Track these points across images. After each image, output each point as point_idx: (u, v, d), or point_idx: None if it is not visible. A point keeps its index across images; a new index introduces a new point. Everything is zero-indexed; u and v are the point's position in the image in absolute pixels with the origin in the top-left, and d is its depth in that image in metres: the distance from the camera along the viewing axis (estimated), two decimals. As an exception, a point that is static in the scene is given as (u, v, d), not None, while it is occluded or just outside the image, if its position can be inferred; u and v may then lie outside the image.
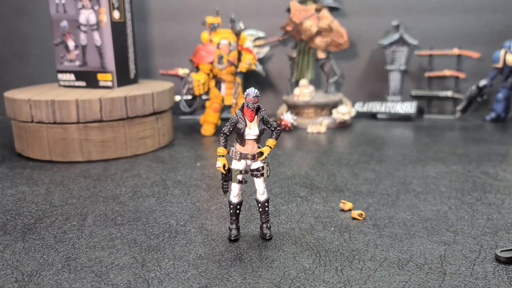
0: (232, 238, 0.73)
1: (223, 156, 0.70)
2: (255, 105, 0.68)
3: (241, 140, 0.70)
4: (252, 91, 0.67)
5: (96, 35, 1.33)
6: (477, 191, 0.94)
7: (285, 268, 0.65)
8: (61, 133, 1.18)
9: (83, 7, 1.32)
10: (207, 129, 1.46)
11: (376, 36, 1.72)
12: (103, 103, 1.19)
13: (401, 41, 1.65)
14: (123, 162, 1.18)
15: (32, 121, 1.19)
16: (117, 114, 1.20)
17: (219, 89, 1.46)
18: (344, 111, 1.52)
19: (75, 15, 1.33)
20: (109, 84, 1.35)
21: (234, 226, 0.74)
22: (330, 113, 1.56)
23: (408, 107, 1.65)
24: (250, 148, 0.70)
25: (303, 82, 1.56)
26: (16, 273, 0.65)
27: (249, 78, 1.76)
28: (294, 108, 1.56)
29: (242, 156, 0.71)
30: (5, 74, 1.86)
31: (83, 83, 1.37)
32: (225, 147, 0.71)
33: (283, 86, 1.79)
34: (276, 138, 0.71)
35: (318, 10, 1.55)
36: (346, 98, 1.65)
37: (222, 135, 0.70)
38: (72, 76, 1.37)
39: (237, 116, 0.69)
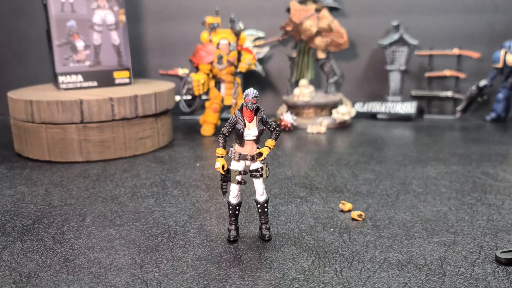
0: (231, 239, 0.73)
1: (222, 156, 0.70)
2: (254, 106, 0.68)
3: (240, 140, 0.70)
4: (251, 91, 0.67)
5: (114, 35, 1.37)
6: (477, 191, 0.94)
7: (284, 269, 0.65)
8: (60, 133, 1.17)
9: (99, 7, 1.33)
10: (207, 130, 1.46)
11: (376, 36, 1.71)
12: (168, 94, 1.33)
13: (401, 41, 1.65)
14: (123, 163, 1.18)
15: (112, 120, 1.19)
16: (169, 105, 1.35)
17: (219, 89, 1.45)
18: (344, 111, 1.52)
19: (87, 15, 1.33)
20: (127, 80, 1.42)
21: (233, 227, 0.74)
22: (330, 113, 1.56)
23: (408, 107, 1.65)
24: (249, 148, 0.70)
25: (303, 82, 1.56)
26: (14, 274, 0.65)
27: (249, 78, 1.76)
28: (294, 108, 1.56)
29: (241, 157, 0.70)
30: (5, 74, 1.86)
31: (94, 83, 1.36)
32: (224, 147, 0.70)
33: (283, 86, 1.79)
34: (276, 139, 0.71)
35: (318, 10, 1.54)
36: (346, 98, 1.65)
37: (221, 135, 0.70)
38: (79, 77, 1.34)
39: (236, 116, 0.69)
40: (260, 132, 0.70)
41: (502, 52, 1.53)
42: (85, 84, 1.35)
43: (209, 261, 0.67)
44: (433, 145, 1.29)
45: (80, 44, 1.33)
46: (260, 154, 0.70)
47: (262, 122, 0.69)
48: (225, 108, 1.61)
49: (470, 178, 1.02)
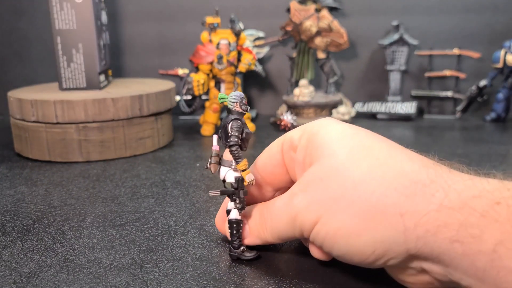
0: (252, 257, 0.67)
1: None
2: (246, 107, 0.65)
3: (246, 146, 0.65)
4: (239, 94, 0.63)
5: (107, 35, 1.44)
6: (477, 191, 0.93)
7: (284, 269, 0.65)
8: (60, 133, 1.17)
9: (102, 8, 1.38)
10: (207, 130, 1.46)
11: (376, 36, 1.71)
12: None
13: (401, 41, 1.65)
14: (123, 163, 1.18)
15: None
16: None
17: (219, 89, 1.46)
18: (344, 111, 1.52)
19: (100, 15, 1.36)
20: (111, 78, 1.48)
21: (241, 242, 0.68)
22: (330, 113, 1.56)
23: (408, 107, 1.65)
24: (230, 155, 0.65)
25: (303, 82, 1.56)
26: (14, 274, 0.65)
27: (249, 78, 1.76)
28: (294, 108, 1.56)
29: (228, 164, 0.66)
30: (5, 74, 1.86)
31: (106, 81, 1.40)
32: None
33: (283, 86, 1.79)
34: None
35: (318, 10, 1.54)
36: (346, 98, 1.65)
37: (237, 146, 0.63)
38: (103, 76, 1.36)
39: (241, 121, 0.64)
40: None
41: (502, 52, 1.54)
42: (105, 82, 1.38)
43: (209, 261, 0.67)
44: (433, 145, 1.29)
45: (101, 43, 1.35)
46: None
47: None
48: (225, 108, 1.61)
49: (470, 178, 1.02)
